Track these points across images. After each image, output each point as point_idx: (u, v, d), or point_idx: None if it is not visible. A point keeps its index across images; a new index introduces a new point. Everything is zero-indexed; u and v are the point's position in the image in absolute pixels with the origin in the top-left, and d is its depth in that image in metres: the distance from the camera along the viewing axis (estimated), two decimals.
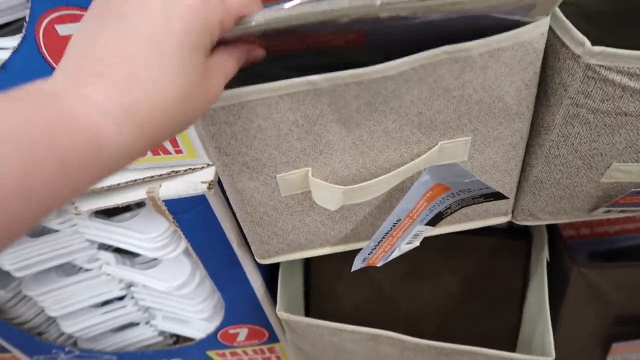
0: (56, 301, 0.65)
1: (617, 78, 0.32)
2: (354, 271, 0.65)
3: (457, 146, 0.37)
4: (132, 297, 0.69)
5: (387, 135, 0.36)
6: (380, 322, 0.60)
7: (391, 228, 0.39)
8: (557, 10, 0.33)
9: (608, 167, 0.38)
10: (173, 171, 0.45)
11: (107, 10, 0.23)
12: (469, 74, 0.32)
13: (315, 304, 0.68)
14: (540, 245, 0.59)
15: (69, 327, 0.70)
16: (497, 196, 0.38)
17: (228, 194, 0.40)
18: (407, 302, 0.67)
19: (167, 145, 0.43)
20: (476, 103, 0.34)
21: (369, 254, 0.42)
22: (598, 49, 0.31)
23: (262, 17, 0.26)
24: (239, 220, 0.43)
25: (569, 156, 0.38)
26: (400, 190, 0.40)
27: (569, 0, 0.58)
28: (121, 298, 0.69)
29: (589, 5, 0.57)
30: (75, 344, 0.77)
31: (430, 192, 0.38)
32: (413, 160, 0.37)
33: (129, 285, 0.67)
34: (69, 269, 0.66)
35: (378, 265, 0.43)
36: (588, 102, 0.34)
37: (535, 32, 0.31)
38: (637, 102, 0.33)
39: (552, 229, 0.60)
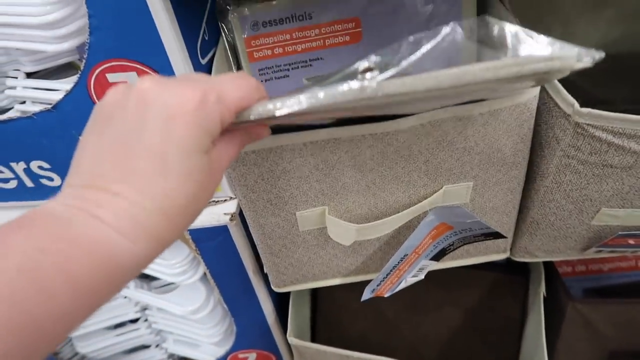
0: None
1: (603, 135, 0.36)
2: (359, 301, 0.68)
3: (459, 190, 0.41)
4: (146, 320, 0.71)
5: (397, 180, 0.40)
6: (383, 352, 0.63)
7: (399, 262, 0.43)
8: None
9: (597, 212, 0.42)
10: None
11: (108, 124, 0.24)
12: (471, 129, 0.36)
13: (321, 332, 0.71)
14: (537, 281, 0.62)
15: (84, 348, 0.72)
16: (497, 235, 0.42)
17: (250, 227, 0.44)
18: (410, 333, 0.69)
19: None
20: (477, 154, 0.38)
21: (377, 285, 0.45)
22: (585, 110, 0.35)
23: (260, 111, 0.25)
24: (259, 251, 0.46)
25: (562, 201, 0.42)
26: (407, 227, 0.44)
27: None
28: (134, 320, 0.72)
29: None
30: None
31: (435, 230, 0.42)
32: (420, 202, 0.41)
33: (144, 308, 0.69)
34: None
35: (385, 295, 0.46)
36: (578, 154, 0.38)
37: (529, 95, 0.35)
38: (621, 156, 0.37)
39: (548, 265, 0.64)
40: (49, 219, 0.21)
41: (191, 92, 0.23)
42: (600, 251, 0.47)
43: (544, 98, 0.39)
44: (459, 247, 0.45)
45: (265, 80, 0.49)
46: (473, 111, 0.35)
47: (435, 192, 0.41)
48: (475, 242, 0.45)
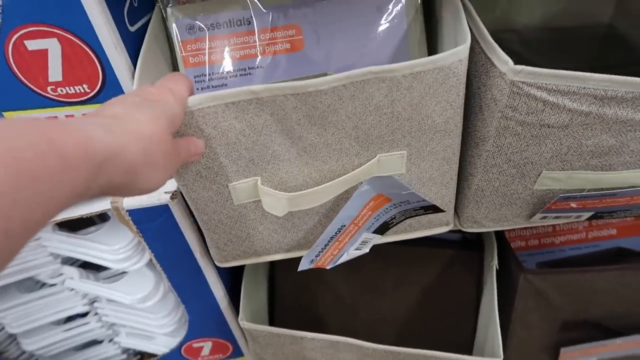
0: (17, 318, 0.65)
1: (538, 93, 0.36)
2: (317, 284, 0.68)
3: (393, 159, 0.40)
4: (96, 314, 0.69)
5: (329, 147, 0.39)
6: (341, 333, 0.62)
7: (336, 233, 0.42)
8: (486, 33, 0.38)
9: (539, 175, 0.42)
10: None
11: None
12: (396, 93, 0.36)
13: (279, 317, 0.69)
14: (490, 255, 0.62)
15: (30, 345, 0.69)
16: (435, 209, 0.42)
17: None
18: (368, 314, 0.69)
19: None
20: (406, 120, 0.38)
21: (316, 256, 0.44)
22: (519, 67, 0.35)
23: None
24: (201, 227, 0.45)
25: (504, 165, 0.42)
26: (345, 200, 0.43)
27: (512, 28, 0.64)
28: (84, 315, 0.69)
29: (529, 34, 0.63)
30: None
31: (372, 202, 0.41)
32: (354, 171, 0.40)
33: (93, 301, 0.67)
34: (30, 285, 0.66)
35: (327, 267, 0.45)
36: (516, 115, 0.38)
37: (452, 59, 0.35)
38: (557, 115, 0.37)
39: (501, 240, 0.64)
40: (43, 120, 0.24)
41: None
42: (545, 217, 0.47)
43: (482, 59, 0.38)
44: (402, 220, 0.45)
45: (202, 89, 0.45)
46: (395, 72, 0.34)
47: (369, 161, 0.40)
48: (417, 215, 0.44)
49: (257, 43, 0.44)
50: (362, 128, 0.38)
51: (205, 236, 0.45)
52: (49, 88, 0.39)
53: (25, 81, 0.39)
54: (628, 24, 0.59)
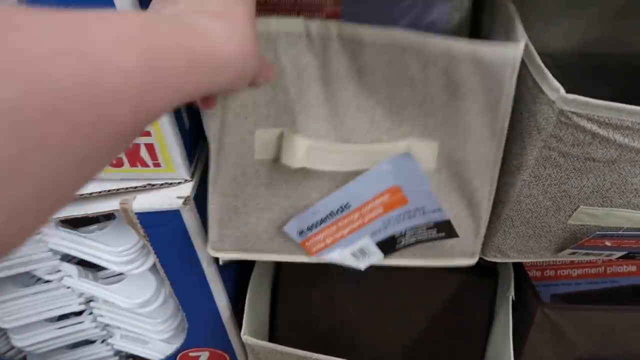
0: (9, 312, 0.62)
1: (588, 125, 0.34)
2: (322, 301, 0.65)
3: (424, 150, 0.38)
4: (91, 313, 0.66)
5: (360, 112, 0.37)
6: (345, 354, 0.60)
7: (338, 210, 0.40)
8: (537, 58, 0.35)
9: (575, 210, 0.40)
10: (149, 184, 0.45)
11: None
12: (432, 70, 0.34)
13: (280, 331, 0.67)
14: (506, 284, 0.60)
15: (21, 341, 0.66)
16: (448, 229, 0.39)
17: (210, 152, 0.41)
18: (373, 335, 0.66)
19: (146, 157, 0.43)
20: (440, 107, 0.36)
21: (307, 229, 0.42)
22: (571, 96, 0.33)
23: None
24: (209, 201, 0.43)
25: (539, 196, 0.40)
26: None
27: (547, 52, 0.62)
28: (79, 314, 0.67)
29: (564, 59, 0.61)
30: (24, 359, 0.73)
31: (388, 195, 0.38)
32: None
33: (89, 300, 0.64)
34: (26, 280, 0.63)
35: (313, 257, 0.43)
36: (560, 145, 0.36)
37: (494, 56, 0.33)
38: (605, 150, 0.35)
39: (518, 269, 0.62)
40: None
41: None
42: (574, 253, 0.45)
43: (529, 84, 0.36)
44: (412, 243, 0.42)
45: None
46: (430, 47, 0.33)
47: (398, 141, 0.38)
48: (429, 239, 0.42)
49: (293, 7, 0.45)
50: (396, 101, 0.36)
51: (212, 203, 0.43)
52: None
53: None
54: None
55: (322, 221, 0.41)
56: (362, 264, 0.42)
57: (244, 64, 0.27)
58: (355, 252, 0.42)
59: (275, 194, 0.42)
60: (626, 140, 0.34)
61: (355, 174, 0.40)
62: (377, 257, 0.43)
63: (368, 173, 0.38)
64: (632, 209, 0.39)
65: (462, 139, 0.38)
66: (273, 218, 0.44)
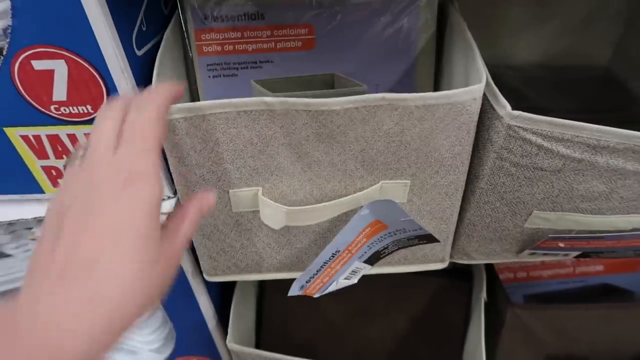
0: None
1: (533, 138, 0.37)
2: (306, 307, 0.68)
3: (396, 188, 0.41)
4: None
5: (333, 167, 0.39)
6: (329, 357, 0.62)
7: (330, 258, 0.42)
8: (489, 76, 0.38)
9: (530, 214, 0.43)
10: None
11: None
12: (407, 122, 0.36)
13: (266, 338, 0.69)
14: (479, 287, 0.63)
15: None
16: (430, 239, 0.42)
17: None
18: (356, 339, 0.69)
19: None
20: (414, 150, 0.38)
21: (306, 282, 0.45)
22: (517, 112, 0.36)
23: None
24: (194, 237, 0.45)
25: (496, 203, 0.43)
26: (343, 222, 0.44)
27: (513, 65, 0.65)
28: None
29: (530, 71, 0.64)
30: None
31: (369, 228, 0.41)
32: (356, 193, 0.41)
33: None
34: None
35: (315, 296, 0.45)
36: (510, 156, 0.39)
37: (465, 97, 0.36)
38: (550, 160, 0.38)
39: (491, 272, 0.65)
40: (9, 323, 0.24)
41: None
42: (533, 254, 0.48)
43: (483, 103, 0.39)
44: (394, 250, 0.45)
45: (213, 77, 0.48)
46: (407, 102, 0.35)
47: (372, 185, 0.40)
48: (410, 246, 0.45)
49: (269, 38, 0.47)
50: (369, 152, 0.38)
51: (198, 246, 0.45)
52: (52, 107, 0.39)
53: (29, 99, 0.39)
54: (626, 67, 0.60)
55: (318, 271, 0.44)
56: (355, 280, 0.45)
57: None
58: (348, 275, 0.45)
59: (259, 235, 0.45)
60: (568, 151, 0.37)
61: (336, 218, 0.43)
62: (366, 270, 0.46)
63: (350, 223, 0.41)
64: (580, 213, 0.42)
65: (434, 170, 0.40)
66: (263, 246, 0.46)
